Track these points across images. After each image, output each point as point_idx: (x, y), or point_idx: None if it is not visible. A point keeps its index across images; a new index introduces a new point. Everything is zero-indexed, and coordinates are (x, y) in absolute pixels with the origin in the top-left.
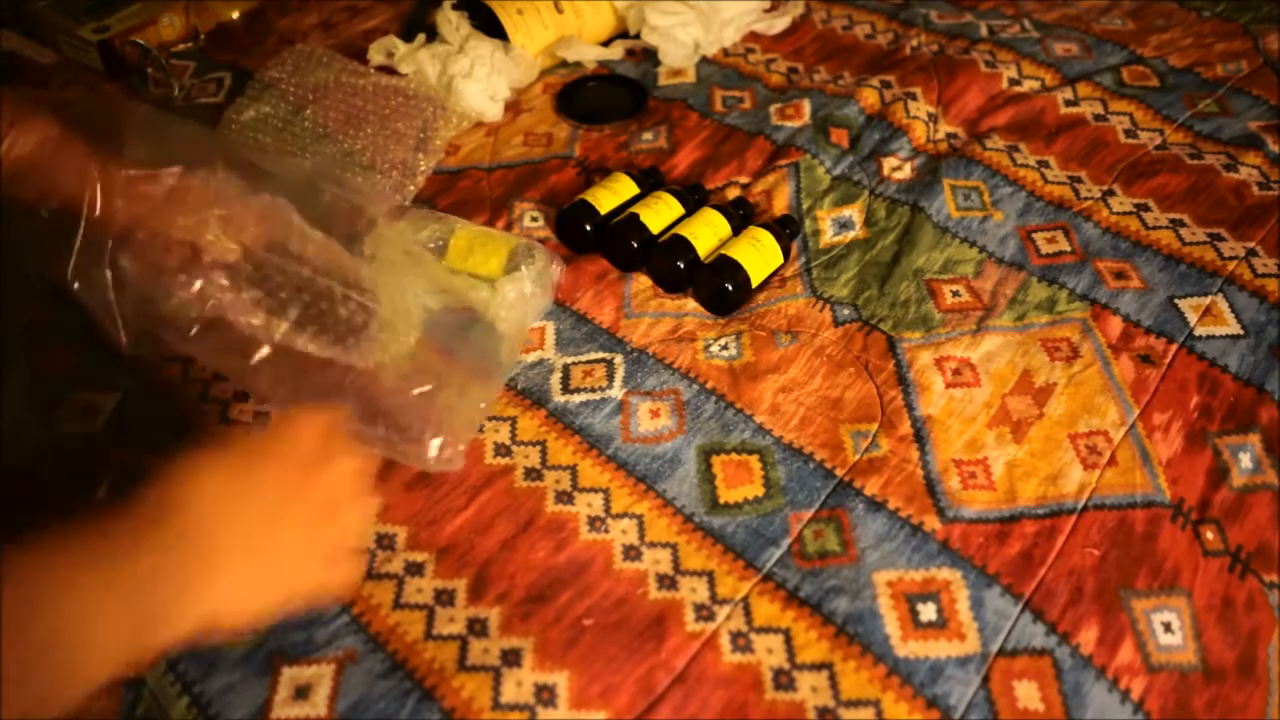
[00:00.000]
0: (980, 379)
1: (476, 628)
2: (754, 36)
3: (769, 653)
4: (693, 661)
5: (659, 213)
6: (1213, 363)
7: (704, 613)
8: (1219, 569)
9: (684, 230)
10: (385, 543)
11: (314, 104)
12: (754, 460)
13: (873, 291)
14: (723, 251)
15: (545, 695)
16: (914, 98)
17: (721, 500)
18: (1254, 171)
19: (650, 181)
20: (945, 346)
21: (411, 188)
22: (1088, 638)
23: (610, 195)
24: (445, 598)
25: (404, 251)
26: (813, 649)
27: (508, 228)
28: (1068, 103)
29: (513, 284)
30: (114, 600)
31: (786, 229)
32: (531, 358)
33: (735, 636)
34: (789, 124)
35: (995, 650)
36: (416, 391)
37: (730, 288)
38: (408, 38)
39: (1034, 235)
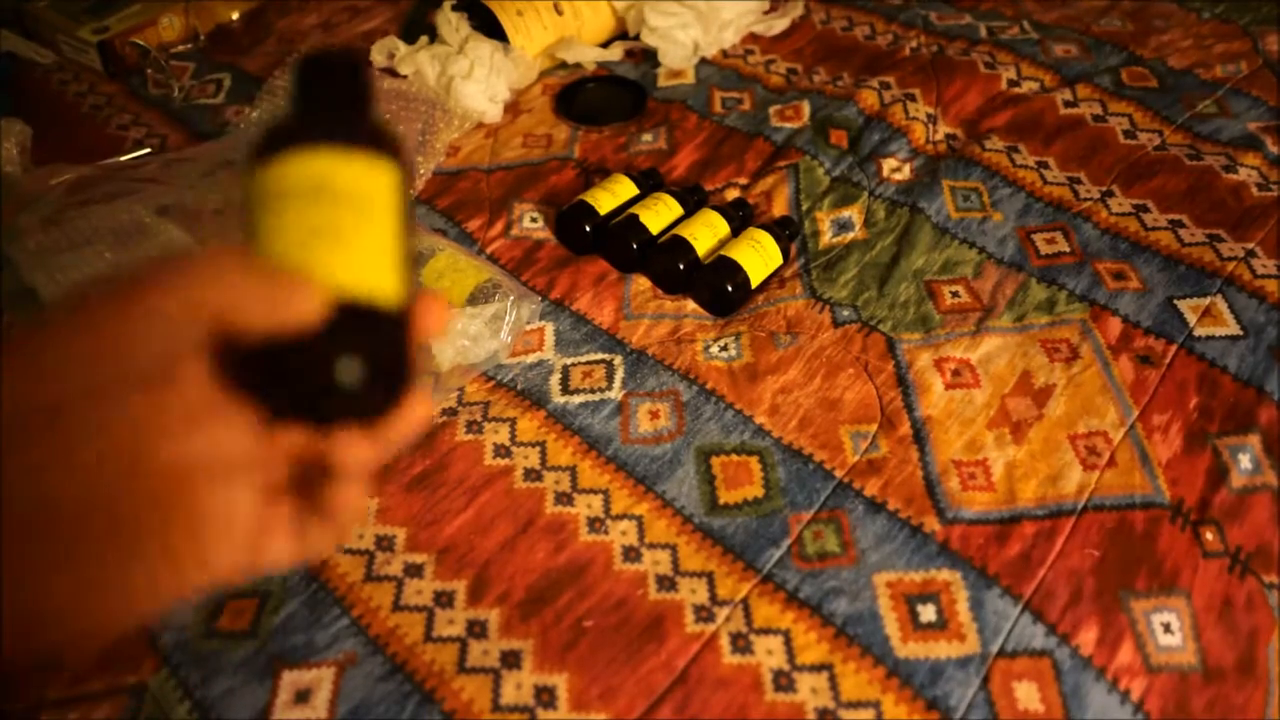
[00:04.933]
0: (980, 380)
1: (476, 629)
2: (753, 38)
3: (769, 654)
4: (693, 663)
5: (658, 214)
6: (1212, 363)
7: (704, 614)
8: (1219, 569)
9: (683, 231)
10: (385, 544)
11: None
12: (754, 461)
13: (872, 292)
14: (722, 252)
15: (545, 697)
16: (913, 99)
17: (721, 501)
18: (1253, 172)
19: (650, 183)
20: (945, 347)
21: (410, 191)
22: (1087, 638)
23: (610, 196)
24: (445, 599)
25: None
26: (812, 650)
27: (507, 228)
28: (1067, 104)
29: (461, 318)
30: None
31: (786, 230)
32: (531, 359)
33: (735, 638)
34: (788, 125)
35: (995, 651)
36: None
37: (730, 288)
38: (408, 38)
39: (1033, 236)
